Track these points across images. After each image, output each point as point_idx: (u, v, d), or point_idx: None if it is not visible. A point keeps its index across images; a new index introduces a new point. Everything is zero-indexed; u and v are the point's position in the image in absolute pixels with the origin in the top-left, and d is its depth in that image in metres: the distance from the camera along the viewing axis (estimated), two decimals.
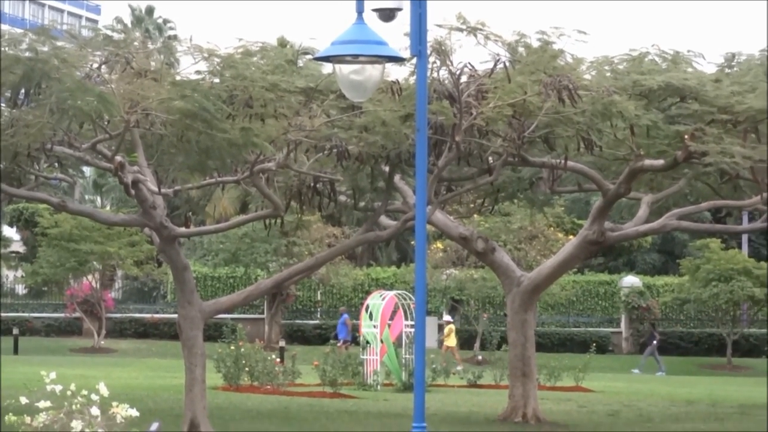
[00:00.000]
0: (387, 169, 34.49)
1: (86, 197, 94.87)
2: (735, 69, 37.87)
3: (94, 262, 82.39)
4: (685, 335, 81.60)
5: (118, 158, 33.80)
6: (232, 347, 52.15)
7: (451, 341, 66.89)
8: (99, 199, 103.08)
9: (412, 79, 29.70)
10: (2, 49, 34.14)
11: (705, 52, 36.05)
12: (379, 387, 51.82)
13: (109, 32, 41.35)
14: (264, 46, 34.45)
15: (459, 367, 59.84)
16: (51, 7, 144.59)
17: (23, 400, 16.32)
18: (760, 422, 42.64)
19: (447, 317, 72.56)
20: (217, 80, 33.39)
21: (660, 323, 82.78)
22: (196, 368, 34.42)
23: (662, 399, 51.06)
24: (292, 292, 77.23)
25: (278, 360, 54.91)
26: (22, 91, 32.62)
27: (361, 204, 37.43)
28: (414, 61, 17.23)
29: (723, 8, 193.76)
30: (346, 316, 72.91)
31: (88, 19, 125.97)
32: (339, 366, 52.33)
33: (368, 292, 65.95)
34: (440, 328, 72.92)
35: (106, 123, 32.65)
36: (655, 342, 69.80)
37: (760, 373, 68.54)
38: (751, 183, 35.98)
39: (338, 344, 68.87)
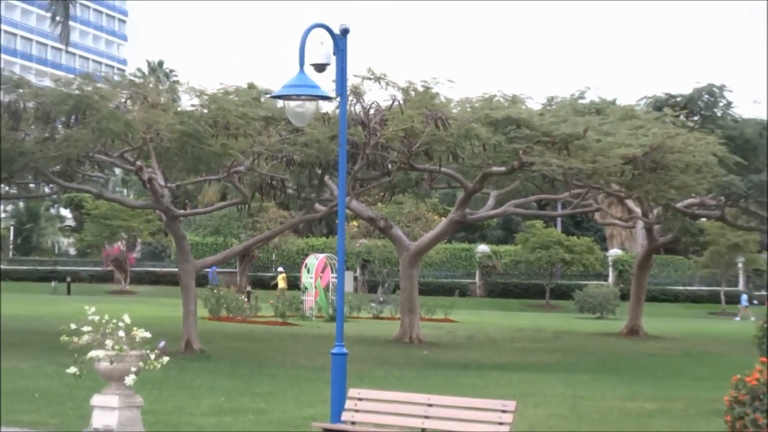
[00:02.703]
0: (319, 172, 34.41)
1: (116, 189, 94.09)
2: (553, 106, 38.05)
3: (122, 233, 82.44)
4: (518, 285, 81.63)
5: (139, 163, 33.68)
6: (215, 291, 52.34)
7: (282, 284, 65.16)
8: (125, 190, 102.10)
9: (337, 111, 29.65)
10: (56, 87, 33.86)
11: (533, 94, 36.14)
12: (313, 318, 51.82)
13: (132, 78, 41.06)
14: (237, 88, 34.34)
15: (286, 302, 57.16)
16: (83, 57, 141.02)
17: (72, 326, 16.16)
18: (567, 342, 42.95)
19: (280, 269, 70.27)
20: (205, 111, 33.20)
21: (502, 276, 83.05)
22: (190, 305, 34.35)
23: (502, 327, 51.23)
24: (255, 254, 76.92)
25: (246, 300, 54.88)
26: (73, 117, 32.38)
27: (302, 195, 37.38)
28: (338, 99, 17.11)
29: (547, 62, 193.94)
30: (214, 268, 72.28)
31: (118, 69, 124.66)
32: (287, 304, 52.28)
33: (307, 255, 65.75)
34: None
35: (130, 139, 32.49)
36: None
37: (567, 310, 68.90)
38: (562, 183, 36.19)
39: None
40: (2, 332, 35.06)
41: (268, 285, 71.50)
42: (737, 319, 65.94)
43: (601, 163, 33.20)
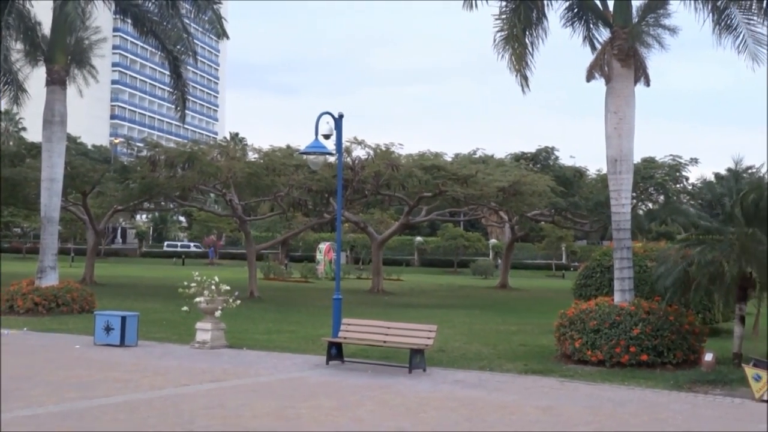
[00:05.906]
0: (326, 196, 34.29)
1: (211, 205, 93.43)
2: (458, 158, 38.03)
3: (214, 230, 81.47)
4: (439, 259, 79.55)
5: (224, 191, 33.38)
6: (266, 263, 51.82)
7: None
8: (216, 205, 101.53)
9: (336, 161, 29.68)
10: (177, 147, 33.49)
11: (447, 151, 36.03)
12: (322, 278, 51.56)
13: (220, 142, 40.77)
14: (280, 147, 34.20)
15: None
16: (192, 130, 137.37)
17: (185, 283, 15.98)
18: (465, 292, 42.61)
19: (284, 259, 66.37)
20: (261, 161, 33.01)
21: (429, 254, 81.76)
22: (252, 270, 34.10)
23: (429, 283, 50.88)
24: (290, 241, 76.16)
25: (284, 268, 54.53)
26: (187, 164, 32.10)
27: (317, 209, 37.22)
28: (337, 154, 17.05)
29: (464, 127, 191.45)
30: (212, 249, 73.61)
31: (212, 137, 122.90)
32: (308, 270, 51.96)
33: (318, 242, 65.44)
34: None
35: (219, 177, 32.19)
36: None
37: (465, 274, 67.76)
38: (463, 202, 36.18)
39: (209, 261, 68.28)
40: (144, 288, 34.63)
41: (297, 260, 70.87)
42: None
43: (485, 191, 33.33)
